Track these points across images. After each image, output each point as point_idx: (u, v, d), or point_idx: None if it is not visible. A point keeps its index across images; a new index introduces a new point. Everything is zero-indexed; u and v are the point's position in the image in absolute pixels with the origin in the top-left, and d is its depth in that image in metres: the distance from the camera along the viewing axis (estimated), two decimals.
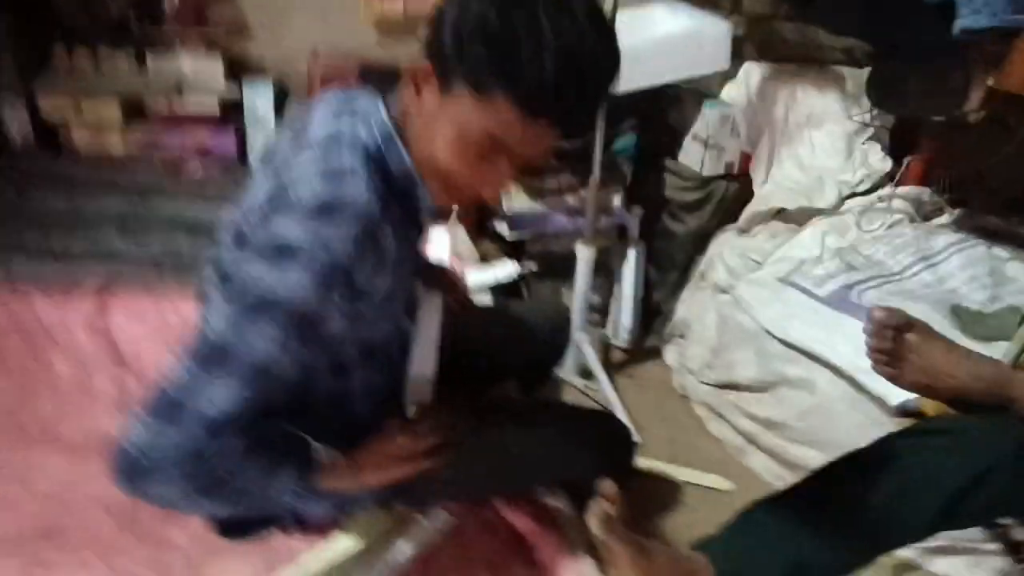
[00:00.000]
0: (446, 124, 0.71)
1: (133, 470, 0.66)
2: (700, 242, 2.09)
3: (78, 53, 1.78)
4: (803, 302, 1.59)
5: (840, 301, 1.54)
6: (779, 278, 1.70)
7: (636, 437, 1.18)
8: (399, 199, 0.78)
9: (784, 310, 1.61)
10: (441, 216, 1.15)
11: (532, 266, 1.61)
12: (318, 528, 1.04)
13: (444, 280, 1.16)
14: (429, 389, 0.98)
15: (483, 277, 1.61)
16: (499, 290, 1.64)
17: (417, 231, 0.87)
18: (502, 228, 2.01)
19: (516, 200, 2.00)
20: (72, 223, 1.56)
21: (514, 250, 2.12)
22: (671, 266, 2.16)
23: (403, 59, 2.09)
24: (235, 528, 0.91)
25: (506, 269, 1.66)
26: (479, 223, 2.07)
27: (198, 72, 1.87)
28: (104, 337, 1.35)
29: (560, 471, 1.04)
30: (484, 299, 1.56)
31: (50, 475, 1.13)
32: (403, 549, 1.03)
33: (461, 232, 1.87)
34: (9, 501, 1.08)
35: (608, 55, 0.69)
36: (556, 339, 1.34)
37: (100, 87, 1.76)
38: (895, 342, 0.87)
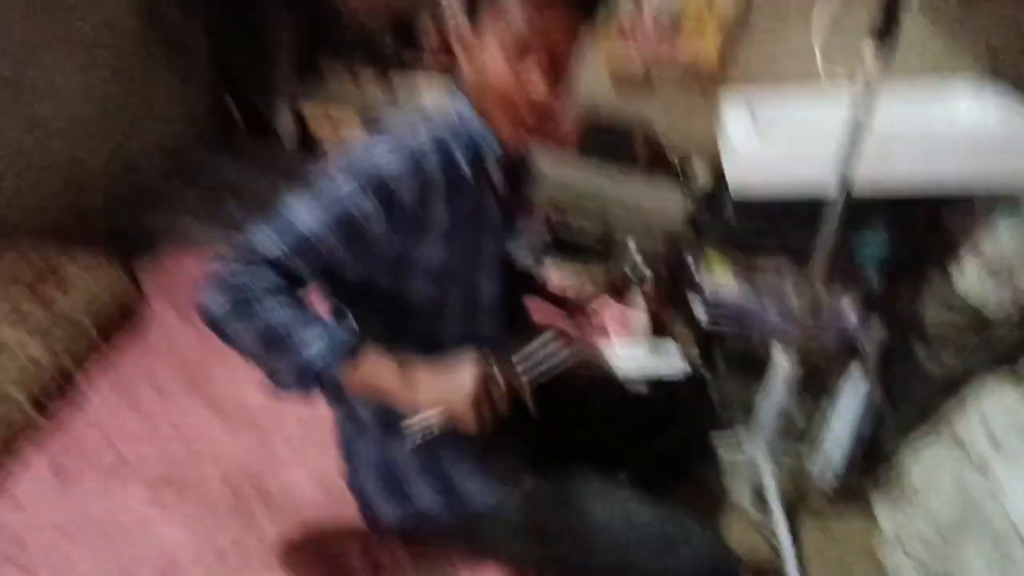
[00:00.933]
0: (489, 49, 0.85)
1: (201, 288, 0.82)
2: (958, 387, 1.60)
3: (338, 67, 1.99)
4: None
5: None
6: None
7: None
8: (467, 158, 0.91)
9: None
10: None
11: (705, 372, 1.28)
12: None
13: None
14: None
15: (637, 359, 1.26)
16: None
17: (487, 188, 0.94)
18: (698, 310, 1.75)
19: (723, 283, 1.73)
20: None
21: (706, 340, 1.84)
22: (915, 410, 1.69)
23: (635, 115, 1.97)
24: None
25: (671, 363, 1.33)
26: (673, 299, 1.84)
27: (432, 98, 1.97)
28: None
29: None
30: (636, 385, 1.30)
31: (194, 427, 1.22)
32: None
33: (639, 302, 1.66)
34: (159, 440, 1.18)
35: None
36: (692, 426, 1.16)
37: (348, 98, 1.94)
38: None
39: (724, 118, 1.75)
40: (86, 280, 1.35)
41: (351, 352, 0.81)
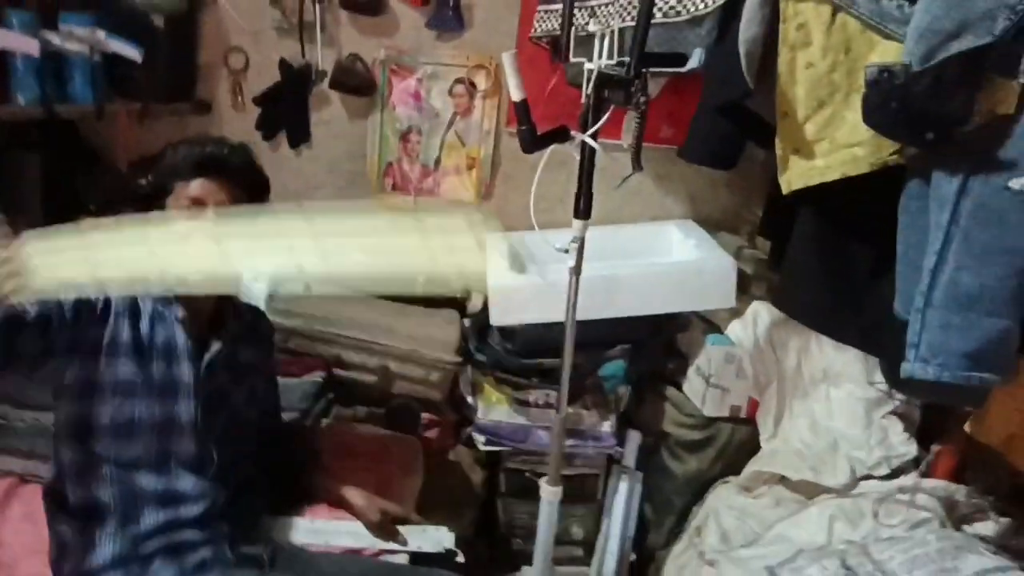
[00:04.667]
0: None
1: None
2: (700, 488, 1.82)
3: (103, 221, 1.91)
4: None
5: None
6: (767, 566, 1.40)
7: None
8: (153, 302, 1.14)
9: None
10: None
11: (459, 555, 1.34)
12: None
13: None
14: None
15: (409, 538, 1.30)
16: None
17: (172, 322, 1.14)
18: (477, 438, 1.85)
19: (495, 410, 1.84)
20: (30, 393, 1.49)
21: (491, 463, 1.94)
22: (668, 510, 1.89)
23: None
24: None
25: (435, 536, 1.33)
26: (456, 429, 1.92)
27: None
28: None
29: None
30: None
31: None
32: None
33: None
34: None
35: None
36: None
37: None
38: None
39: (487, 255, 1.92)
40: None
41: None
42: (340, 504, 1.33)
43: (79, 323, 1.05)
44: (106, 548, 1.04)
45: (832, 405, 1.58)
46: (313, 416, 1.65)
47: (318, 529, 1.30)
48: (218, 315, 1.21)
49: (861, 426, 1.51)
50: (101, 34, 1.71)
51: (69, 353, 1.05)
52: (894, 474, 1.46)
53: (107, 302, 1.09)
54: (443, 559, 1.30)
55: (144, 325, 1.11)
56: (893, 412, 1.51)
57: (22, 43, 1.61)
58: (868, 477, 1.48)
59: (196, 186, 1.11)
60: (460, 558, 1.32)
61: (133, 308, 1.11)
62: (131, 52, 1.74)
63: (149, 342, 1.10)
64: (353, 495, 1.31)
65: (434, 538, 1.32)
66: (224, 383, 1.19)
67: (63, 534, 1.07)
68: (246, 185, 1.17)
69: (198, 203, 1.10)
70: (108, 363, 1.06)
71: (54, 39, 1.66)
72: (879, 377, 1.51)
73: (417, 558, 1.31)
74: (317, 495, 1.34)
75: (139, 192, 1.96)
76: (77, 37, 1.69)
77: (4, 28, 1.60)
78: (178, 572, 1.04)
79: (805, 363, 1.62)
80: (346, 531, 1.30)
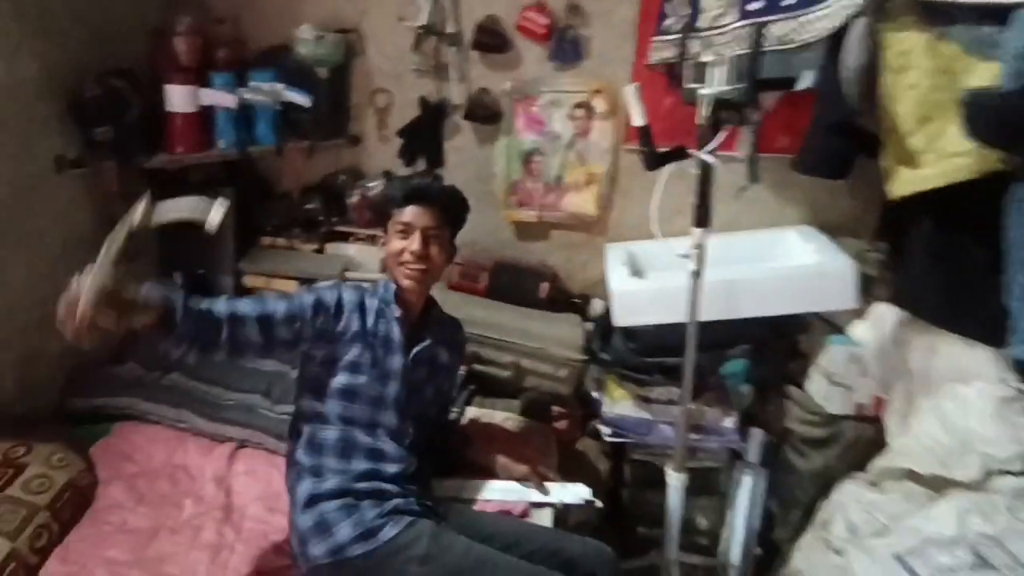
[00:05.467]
0: (389, 234, 1.45)
1: None
2: (825, 484, 1.86)
3: (278, 240, 2.27)
4: None
5: None
6: (895, 554, 1.45)
7: None
8: (378, 300, 1.44)
9: None
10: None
11: (597, 502, 1.53)
12: None
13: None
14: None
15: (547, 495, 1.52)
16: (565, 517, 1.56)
17: (391, 319, 1.42)
18: (603, 430, 2.00)
19: (619, 405, 1.98)
20: (233, 379, 1.87)
21: (616, 454, 2.08)
22: (793, 504, 1.94)
23: (539, 262, 2.30)
24: None
25: (575, 490, 1.54)
26: (583, 421, 2.08)
27: (361, 259, 2.24)
28: (224, 489, 1.56)
29: None
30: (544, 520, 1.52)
31: None
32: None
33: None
34: None
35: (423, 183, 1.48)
36: None
37: (286, 264, 2.19)
38: None
39: (608, 262, 2.07)
40: (41, 467, 1.44)
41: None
42: (490, 471, 1.57)
43: (318, 318, 1.34)
44: (330, 479, 1.32)
45: (962, 403, 1.57)
46: (461, 403, 1.89)
47: (476, 487, 1.54)
48: (423, 318, 1.49)
49: (994, 423, 1.51)
50: (281, 87, 2.05)
51: (316, 340, 1.35)
52: None
53: (340, 301, 1.39)
54: (585, 525, 1.47)
55: (370, 319, 1.40)
56: None
57: (223, 99, 1.97)
58: (1002, 473, 1.48)
59: (407, 212, 1.41)
60: (598, 504, 1.50)
61: (361, 305, 1.40)
62: (303, 99, 2.07)
63: (373, 333, 1.39)
64: (500, 459, 1.57)
65: (574, 492, 1.51)
66: (423, 374, 1.45)
67: (299, 464, 1.37)
68: (448, 208, 1.45)
69: (408, 226, 1.40)
70: (343, 345, 1.36)
71: (246, 94, 2.01)
72: (1010, 376, 1.51)
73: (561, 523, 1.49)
74: (470, 466, 1.59)
75: (307, 216, 2.32)
76: (263, 91, 2.03)
77: (209, 88, 1.97)
78: (380, 512, 1.28)
79: (932, 362, 1.63)
80: (499, 488, 1.54)
